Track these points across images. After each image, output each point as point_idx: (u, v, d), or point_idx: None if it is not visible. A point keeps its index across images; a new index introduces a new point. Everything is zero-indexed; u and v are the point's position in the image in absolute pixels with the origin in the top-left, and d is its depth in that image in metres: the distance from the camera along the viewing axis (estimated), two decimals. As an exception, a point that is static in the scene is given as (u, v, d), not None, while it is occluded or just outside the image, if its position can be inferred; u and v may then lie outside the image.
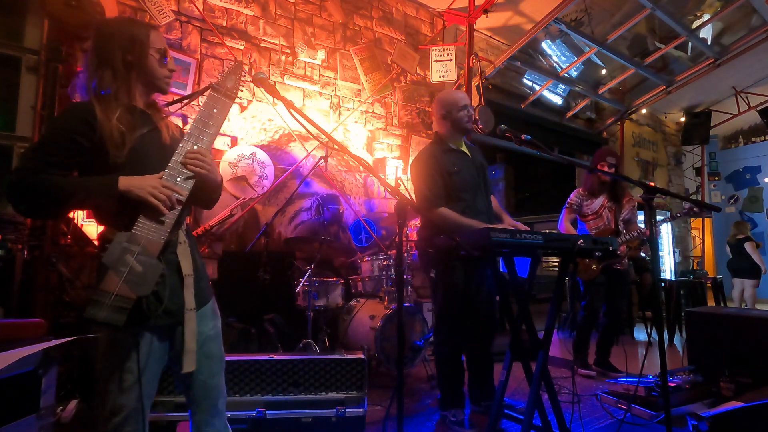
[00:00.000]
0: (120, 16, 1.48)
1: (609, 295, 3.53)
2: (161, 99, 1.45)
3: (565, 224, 3.60)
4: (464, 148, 2.65)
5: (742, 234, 6.48)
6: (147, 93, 1.36)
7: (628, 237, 3.42)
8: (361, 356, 2.39)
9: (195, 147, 1.29)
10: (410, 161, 2.94)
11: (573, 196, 3.65)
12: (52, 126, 1.28)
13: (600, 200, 3.57)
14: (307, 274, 3.22)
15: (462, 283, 2.42)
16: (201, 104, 1.37)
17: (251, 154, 3.80)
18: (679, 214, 3.37)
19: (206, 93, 1.39)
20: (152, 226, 1.21)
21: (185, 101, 1.62)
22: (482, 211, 2.52)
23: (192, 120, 1.53)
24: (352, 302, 3.55)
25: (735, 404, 2.26)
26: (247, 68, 3.87)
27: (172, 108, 1.57)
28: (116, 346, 1.22)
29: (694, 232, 9.12)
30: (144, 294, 1.17)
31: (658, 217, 3.57)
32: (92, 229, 3.16)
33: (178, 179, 1.26)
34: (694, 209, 3.31)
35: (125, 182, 1.18)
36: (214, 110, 1.35)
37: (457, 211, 2.41)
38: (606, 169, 3.47)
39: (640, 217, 4.76)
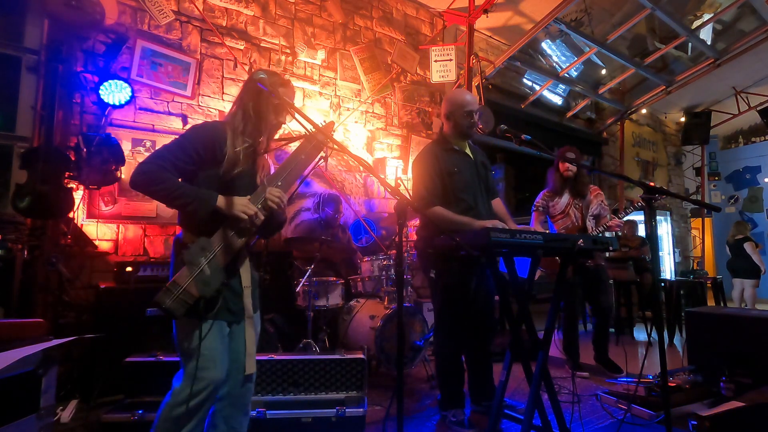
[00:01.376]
0: (268, 70, 1.67)
1: (590, 294, 3.51)
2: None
3: (535, 226, 3.54)
4: (467, 150, 2.64)
5: (741, 234, 6.48)
6: (259, 133, 1.59)
7: (595, 233, 3.34)
8: (361, 356, 2.40)
9: (277, 185, 1.53)
10: (410, 161, 2.93)
11: (539, 198, 3.62)
12: (188, 136, 1.50)
13: (565, 199, 3.54)
14: (307, 274, 3.21)
15: (462, 283, 2.42)
16: (293, 149, 1.62)
17: (251, 154, 3.80)
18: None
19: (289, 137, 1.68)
20: (228, 240, 1.43)
21: (282, 143, 2.04)
22: (482, 214, 2.51)
23: (280, 161, 1.78)
24: (352, 302, 3.55)
25: (735, 404, 2.26)
26: (247, 68, 3.88)
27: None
28: (194, 332, 1.42)
29: (694, 232, 9.12)
30: (205, 295, 1.36)
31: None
32: (92, 229, 3.16)
33: (258, 207, 1.48)
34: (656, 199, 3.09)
35: (221, 200, 1.43)
36: (302, 156, 1.55)
37: (458, 213, 2.39)
38: (567, 164, 3.47)
39: (640, 217, 4.75)
